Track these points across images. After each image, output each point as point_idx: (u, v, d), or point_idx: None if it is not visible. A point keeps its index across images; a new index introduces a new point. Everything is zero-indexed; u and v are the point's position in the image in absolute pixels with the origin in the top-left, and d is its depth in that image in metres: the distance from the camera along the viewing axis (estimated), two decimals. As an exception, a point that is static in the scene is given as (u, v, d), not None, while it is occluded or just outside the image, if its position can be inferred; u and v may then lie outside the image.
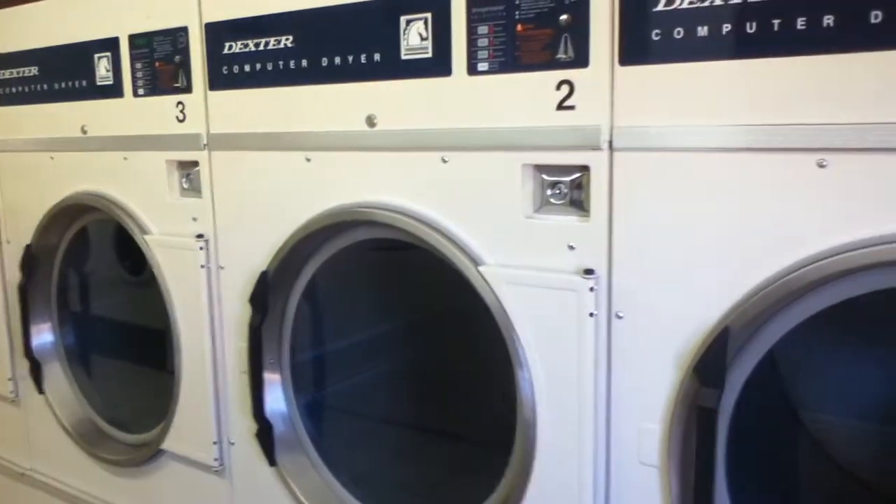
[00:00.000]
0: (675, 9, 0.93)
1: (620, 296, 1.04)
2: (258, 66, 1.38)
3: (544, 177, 1.10)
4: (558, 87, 1.04)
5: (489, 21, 1.08)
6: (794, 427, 1.14)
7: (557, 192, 1.09)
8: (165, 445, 1.67)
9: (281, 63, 1.34)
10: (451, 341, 1.43)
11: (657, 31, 0.95)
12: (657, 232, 0.99)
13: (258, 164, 1.42)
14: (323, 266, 1.43)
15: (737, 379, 0.99)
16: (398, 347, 1.50)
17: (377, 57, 1.22)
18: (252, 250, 1.45)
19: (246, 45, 1.39)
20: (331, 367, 1.57)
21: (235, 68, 1.41)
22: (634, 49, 0.97)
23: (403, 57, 1.19)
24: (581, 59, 1.01)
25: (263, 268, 1.42)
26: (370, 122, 1.25)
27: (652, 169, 0.98)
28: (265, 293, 1.43)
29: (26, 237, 1.90)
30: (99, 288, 2.06)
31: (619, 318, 1.04)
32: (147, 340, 1.73)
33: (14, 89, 1.87)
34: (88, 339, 2.05)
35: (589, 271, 1.04)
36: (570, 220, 1.07)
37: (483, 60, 1.10)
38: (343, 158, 1.30)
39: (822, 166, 0.87)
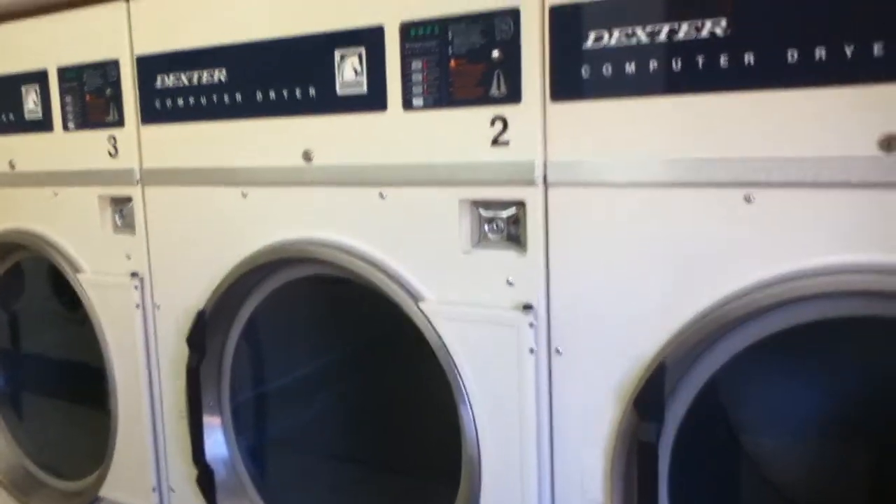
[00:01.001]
0: (604, 47, 0.96)
1: (559, 331, 1.05)
2: (191, 99, 1.37)
3: (481, 212, 1.11)
4: (492, 123, 1.06)
5: (423, 56, 1.10)
6: (736, 454, 1.17)
7: (494, 227, 1.10)
8: (102, 493, 1.63)
9: (214, 97, 1.34)
10: (394, 375, 1.42)
11: (587, 67, 0.97)
12: (592, 266, 1.01)
13: (193, 200, 1.41)
14: (262, 303, 1.42)
15: (676, 411, 1.01)
16: (340, 383, 1.49)
17: (312, 92, 1.22)
18: (189, 288, 1.43)
19: (178, 79, 1.38)
20: (273, 406, 1.56)
21: (168, 102, 1.40)
22: (565, 85, 0.99)
23: (339, 92, 1.19)
24: (513, 95, 1.03)
25: (200, 306, 1.41)
26: (307, 156, 1.25)
27: (585, 203, 1.00)
28: (203, 333, 1.41)
29: (-49, 277, 1.85)
30: (33, 327, 2.00)
31: (559, 353, 1.06)
32: (84, 378, 1.69)
33: (-63, 123, 1.83)
34: (21, 380, 2.00)
35: (527, 307, 1.06)
36: (508, 255, 1.09)
37: (418, 96, 1.12)
38: (280, 194, 1.29)
39: (748, 201, 0.90)
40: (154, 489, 1.54)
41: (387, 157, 1.17)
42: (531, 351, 1.05)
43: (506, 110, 1.04)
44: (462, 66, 1.07)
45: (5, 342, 1.98)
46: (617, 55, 0.95)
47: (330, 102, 1.21)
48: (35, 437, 1.92)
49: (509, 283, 1.08)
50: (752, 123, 0.89)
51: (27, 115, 1.64)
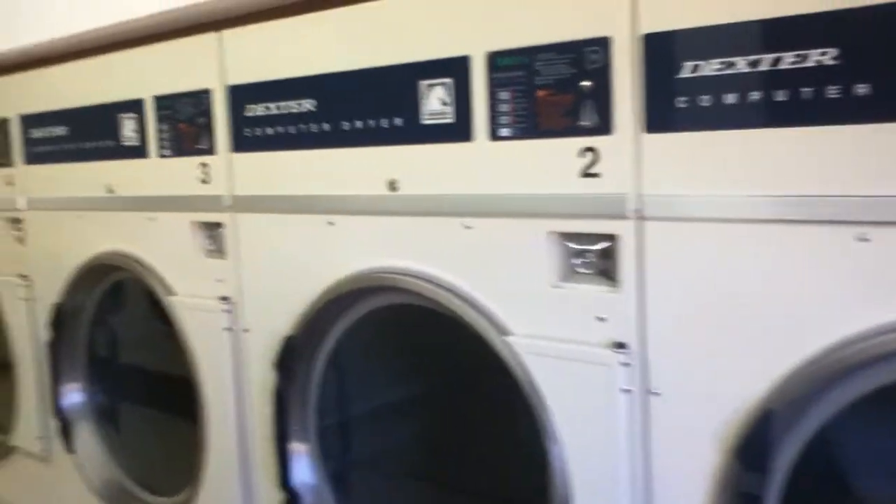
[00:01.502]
0: (700, 76, 0.92)
1: (656, 371, 1.02)
2: (280, 129, 1.40)
3: (570, 245, 1.09)
4: (582, 154, 1.03)
5: (510, 86, 1.08)
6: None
7: (584, 261, 1.07)
8: (192, 511, 1.68)
9: (303, 126, 1.36)
10: (479, 405, 1.41)
11: (682, 98, 0.93)
12: (693, 304, 0.97)
13: (282, 227, 1.44)
14: (348, 330, 1.43)
15: (783, 462, 0.95)
16: (424, 411, 1.49)
17: (398, 121, 1.22)
18: (276, 314, 1.46)
19: (268, 108, 1.41)
20: (358, 433, 1.57)
21: (258, 131, 1.44)
22: (659, 116, 0.96)
23: (424, 122, 1.19)
24: (604, 126, 1.00)
25: (288, 332, 1.43)
26: (392, 186, 1.25)
27: (683, 239, 0.97)
28: (289, 358, 1.43)
29: (55, 295, 1.95)
30: (130, 345, 2.09)
31: (656, 394, 1.02)
32: (182, 395, 1.73)
33: (44, 149, 1.93)
34: (119, 397, 2.08)
35: (620, 345, 1.02)
36: (599, 290, 1.06)
37: (505, 126, 1.10)
38: (365, 223, 1.30)
39: (863, 240, 0.84)
40: (242, 510, 1.58)
41: (472, 187, 1.16)
42: (624, 391, 1.01)
43: (596, 141, 1.02)
44: (549, 96, 1.05)
45: (105, 357, 2.07)
46: (714, 85, 0.91)
47: (415, 132, 1.21)
48: (131, 452, 2.00)
49: (600, 320, 1.05)
50: (866, 158, 0.83)
51: (125, 142, 1.71)
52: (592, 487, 1.07)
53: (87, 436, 2.01)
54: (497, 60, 1.09)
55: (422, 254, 1.24)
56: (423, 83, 1.18)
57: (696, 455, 0.99)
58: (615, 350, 1.02)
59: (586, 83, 1.01)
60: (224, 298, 1.55)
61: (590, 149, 1.02)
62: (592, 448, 1.06)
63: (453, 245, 1.20)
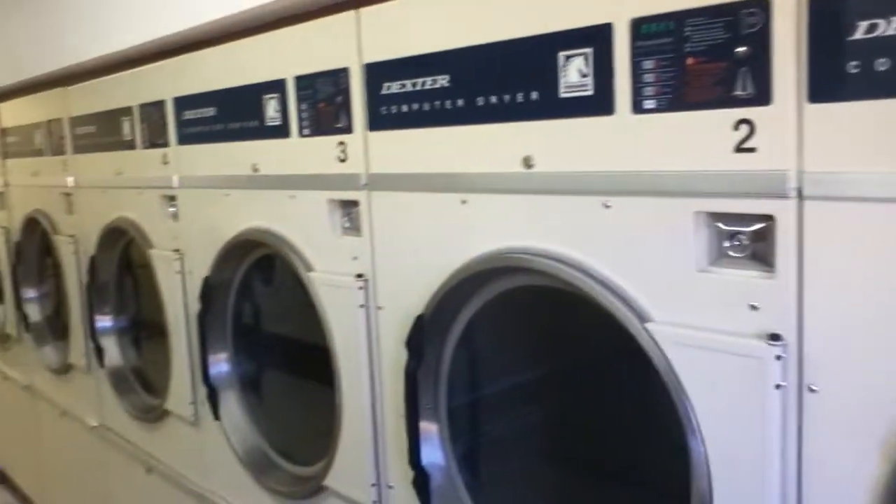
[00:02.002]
0: (877, 37, 0.82)
1: (814, 366, 0.93)
2: (415, 106, 1.39)
3: (721, 226, 1.01)
4: (736, 127, 0.95)
5: (655, 55, 1.02)
6: None
7: (736, 243, 1.00)
8: (327, 482, 1.73)
9: (437, 103, 1.35)
10: (614, 389, 1.35)
11: (854, 63, 0.84)
12: (856, 294, 0.88)
13: (415, 205, 1.44)
14: (480, 310, 1.42)
15: (963, 473, 0.85)
16: (557, 395, 1.45)
17: (535, 95, 1.18)
18: (409, 292, 1.47)
19: (403, 86, 1.41)
20: (488, 414, 1.55)
21: (393, 108, 1.44)
22: (826, 84, 0.86)
23: (562, 95, 1.15)
24: (762, 96, 0.92)
25: (419, 311, 1.43)
26: (527, 163, 1.22)
27: (848, 221, 0.87)
28: (421, 337, 1.44)
29: (204, 269, 2.06)
30: (274, 317, 2.18)
31: (813, 391, 0.93)
32: (322, 364, 1.78)
33: (194, 129, 2.04)
34: (263, 368, 2.18)
35: (775, 336, 0.94)
36: (752, 276, 0.98)
37: (649, 98, 1.04)
38: (499, 201, 1.28)
39: None
40: (373, 485, 1.61)
41: (613, 163, 1.10)
42: (777, 387, 0.93)
43: (752, 113, 0.93)
44: (700, 64, 0.97)
45: (250, 329, 2.18)
46: (894, 47, 0.81)
47: (553, 106, 1.16)
48: (273, 421, 2.10)
49: (753, 308, 0.97)
50: None
51: (269, 122, 1.77)
52: (737, 487, 1.00)
53: (232, 404, 2.12)
54: (641, 27, 1.03)
55: (558, 234, 1.20)
56: (562, 54, 1.13)
57: (855, 460, 0.90)
58: (769, 342, 0.94)
59: (742, 49, 0.93)
60: (359, 276, 1.57)
61: (745, 121, 0.94)
62: (739, 446, 0.98)
63: (592, 225, 1.15)
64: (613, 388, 1.34)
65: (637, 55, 1.04)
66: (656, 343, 1.05)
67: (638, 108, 1.05)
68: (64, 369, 3.10)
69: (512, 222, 1.26)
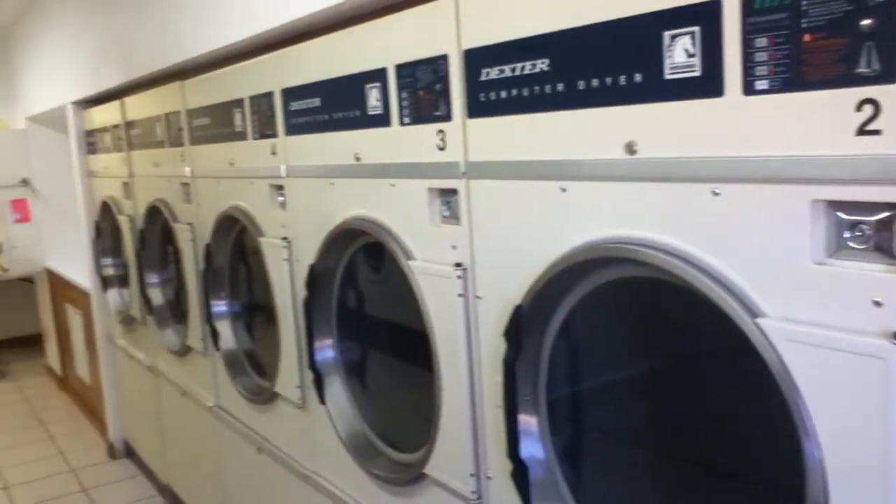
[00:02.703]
0: None
1: (945, 368, 0.85)
2: (514, 91, 1.37)
3: (841, 215, 0.94)
4: (859, 108, 0.88)
5: (769, 32, 0.95)
6: None
7: (858, 234, 0.92)
8: (427, 470, 1.75)
9: (537, 88, 1.32)
10: (720, 384, 1.29)
11: None
12: None
13: (514, 194, 1.42)
14: (580, 301, 1.39)
15: None
16: (660, 389, 1.40)
17: (638, 78, 1.14)
18: (508, 282, 1.45)
19: (502, 71, 1.39)
20: (589, 408, 1.52)
21: (492, 95, 1.42)
22: (967, 58, 0.78)
23: (667, 77, 1.10)
24: (889, 74, 0.84)
25: (518, 301, 1.42)
26: (630, 149, 1.18)
27: None
28: (519, 328, 1.42)
29: (311, 257, 2.12)
30: (377, 305, 2.21)
31: (944, 397, 0.85)
32: (424, 352, 1.79)
33: (301, 120, 2.09)
34: (366, 355, 2.23)
35: (900, 335, 0.87)
36: (876, 269, 0.90)
37: (762, 78, 0.97)
38: (600, 189, 1.24)
39: None
40: (472, 475, 1.61)
41: (722, 148, 1.05)
42: (904, 391, 0.86)
43: (878, 92, 0.86)
44: (819, 40, 0.90)
45: (354, 315, 2.22)
46: None
47: (657, 89, 1.11)
48: (376, 407, 2.14)
49: (876, 304, 0.90)
50: None
51: (370, 111, 1.79)
52: (856, 494, 0.93)
53: (337, 388, 2.18)
54: (754, 2, 0.97)
55: (663, 223, 1.15)
56: (667, 34, 1.08)
57: None
58: (894, 341, 0.87)
59: (867, 22, 0.85)
60: (458, 265, 1.57)
61: (869, 101, 0.87)
62: (859, 452, 0.92)
63: (699, 214, 1.10)
64: (719, 383, 1.28)
65: (749, 33, 0.98)
66: (768, 339, 1.00)
67: (749, 89, 0.99)
68: (183, 351, 3.27)
69: (614, 211, 1.23)
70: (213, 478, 3.17)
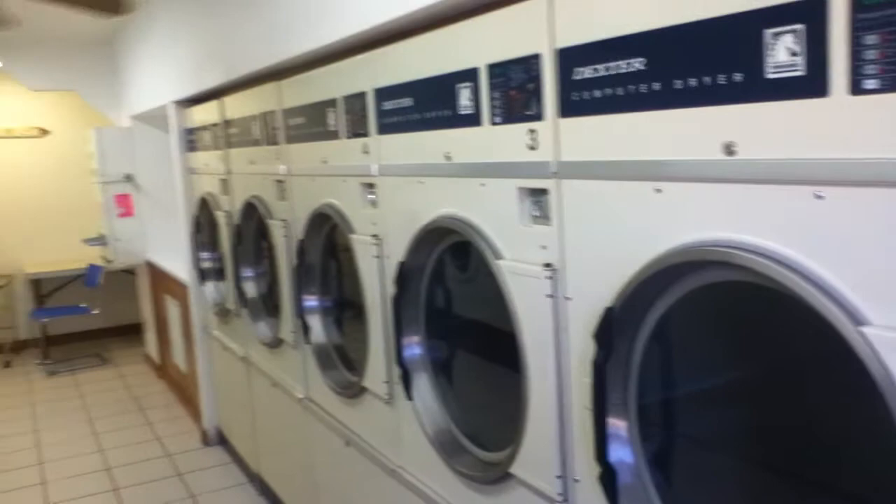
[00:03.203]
0: None
1: None
2: (608, 91, 1.37)
3: (955, 221, 0.90)
4: (978, 108, 0.84)
5: (880, 28, 0.92)
6: None
7: (975, 241, 0.89)
8: (512, 469, 1.76)
9: (631, 87, 1.32)
10: (820, 393, 1.25)
11: None
12: None
13: (606, 194, 1.41)
14: (674, 305, 1.37)
15: None
16: (756, 397, 1.36)
17: (737, 77, 1.12)
18: (598, 283, 1.45)
19: (595, 70, 1.39)
20: (682, 414, 1.50)
21: (585, 94, 1.42)
22: None
23: (768, 76, 1.07)
24: None
25: (609, 303, 1.41)
26: (728, 150, 1.16)
27: None
28: (609, 330, 1.42)
29: (400, 254, 2.16)
30: (465, 303, 2.24)
31: None
32: (511, 350, 1.81)
33: (393, 119, 2.14)
34: (453, 352, 2.26)
35: None
36: None
37: (871, 77, 0.94)
38: (696, 190, 1.22)
39: None
40: (558, 477, 1.62)
41: (826, 150, 1.02)
42: None
43: None
44: (936, 36, 0.87)
45: (442, 313, 2.26)
46: None
47: (758, 89, 1.09)
48: (462, 405, 2.16)
49: None
50: None
51: (461, 111, 1.82)
52: (971, 519, 0.89)
53: (423, 385, 2.22)
54: (864, -1, 0.94)
55: (762, 227, 1.13)
56: (769, 32, 1.06)
57: None
58: None
59: None
60: (547, 265, 1.58)
61: None
62: (973, 471, 0.88)
63: (801, 218, 1.07)
64: (818, 393, 1.24)
65: (858, 29, 0.95)
66: (872, 348, 0.96)
67: (857, 88, 0.97)
68: (275, 343, 3.39)
69: (710, 213, 1.21)
70: (302, 468, 3.27)
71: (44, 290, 7.17)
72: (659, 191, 1.30)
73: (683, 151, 1.24)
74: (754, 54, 1.08)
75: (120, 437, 4.94)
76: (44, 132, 7.27)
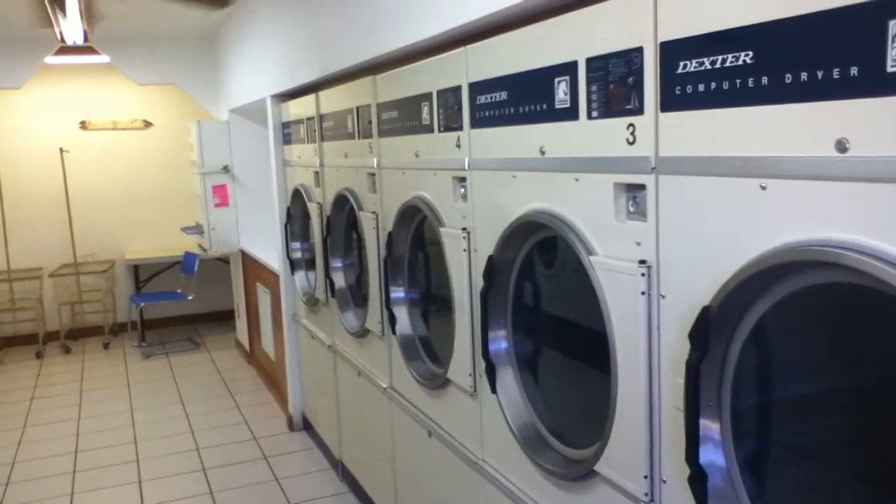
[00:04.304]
0: None
1: None
2: (713, 85, 1.34)
3: None
4: None
5: None
6: None
7: None
8: (598, 468, 1.75)
9: (738, 81, 1.28)
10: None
11: None
12: None
13: (708, 191, 1.38)
14: (776, 306, 1.33)
15: None
16: (861, 405, 1.31)
17: (854, 71, 1.08)
18: (696, 282, 1.42)
19: (701, 64, 1.36)
20: (780, 420, 1.45)
21: (689, 88, 1.40)
22: None
23: (890, 69, 1.03)
24: None
25: (706, 302, 1.38)
26: (840, 147, 1.12)
27: None
28: (706, 330, 1.39)
29: (489, 248, 2.17)
30: (553, 299, 2.23)
31: None
32: (598, 347, 1.79)
33: (486, 113, 2.15)
34: (539, 348, 2.26)
35: None
36: None
37: None
38: (805, 188, 1.19)
39: None
40: (645, 476, 1.59)
41: (950, 147, 0.97)
42: None
43: None
44: None
45: (529, 309, 2.26)
46: None
47: (876, 83, 1.05)
48: (547, 401, 2.16)
49: None
50: None
51: (557, 105, 1.81)
52: None
53: (508, 379, 2.22)
54: None
55: (876, 227, 1.09)
56: (893, 23, 1.02)
57: None
58: None
59: None
60: (642, 262, 1.56)
61: None
62: None
63: (917, 217, 1.02)
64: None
65: None
66: None
67: None
68: (361, 333, 3.46)
69: (819, 212, 1.17)
70: (385, 457, 3.33)
71: (142, 275, 7.52)
72: (764, 188, 1.26)
73: (792, 148, 1.20)
74: (874, 47, 1.04)
75: (209, 419, 5.14)
76: (147, 124, 7.62)
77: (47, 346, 7.17)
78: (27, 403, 5.65)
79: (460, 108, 2.29)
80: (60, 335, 7.26)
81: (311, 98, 3.90)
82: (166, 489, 4.12)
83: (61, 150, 7.23)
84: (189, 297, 6.98)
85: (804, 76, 1.16)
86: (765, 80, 1.23)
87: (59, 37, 5.20)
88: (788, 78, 1.19)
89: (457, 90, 2.31)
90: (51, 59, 5.76)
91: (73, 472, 4.38)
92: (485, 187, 2.21)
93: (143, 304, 7.07)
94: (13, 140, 7.21)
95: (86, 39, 5.34)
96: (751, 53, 1.25)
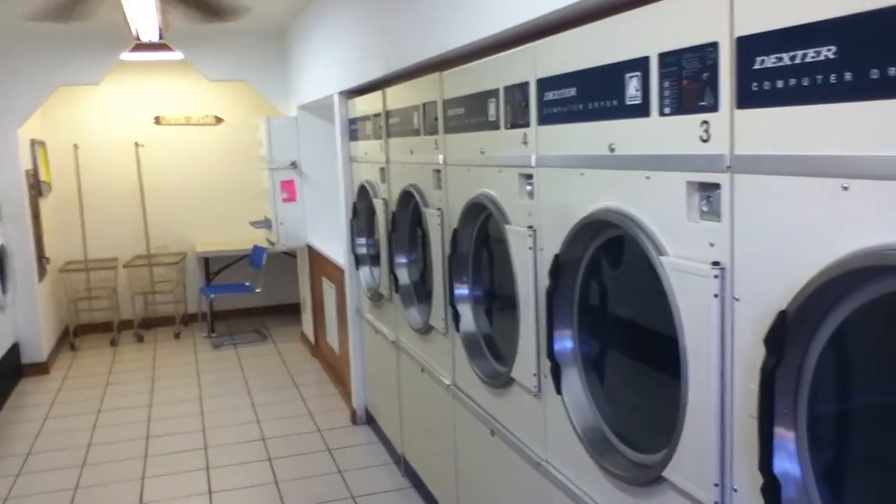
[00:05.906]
0: None
1: None
2: (792, 81, 1.30)
3: None
4: None
5: None
6: None
7: None
8: (666, 473, 1.71)
9: (820, 77, 1.24)
10: None
11: None
12: None
13: (786, 190, 1.34)
14: (857, 311, 1.28)
15: None
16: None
17: (948, 66, 1.03)
18: (771, 285, 1.38)
19: (780, 59, 1.32)
20: (859, 429, 1.40)
21: (766, 84, 1.36)
22: None
23: None
24: None
25: (782, 306, 1.34)
26: (931, 146, 1.07)
27: None
28: (782, 335, 1.35)
29: (556, 246, 2.16)
30: (621, 299, 2.20)
31: None
32: (667, 350, 1.76)
33: (554, 110, 2.13)
34: (605, 349, 2.23)
35: None
36: None
37: None
38: (889, 189, 1.14)
39: None
40: (716, 484, 1.56)
41: None
42: None
43: None
44: None
45: (596, 309, 2.23)
46: None
47: (972, 78, 1.00)
48: (614, 403, 2.13)
49: None
50: None
51: (628, 101, 1.78)
52: None
53: (574, 380, 2.20)
54: None
55: (966, 230, 1.04)
56: None
57: None
58: None
59: None
60: (715, 263, 1.52)
61: None
62: None
63: None
64: None
65: None
66: None
67: None
68: (425, 329, 3.48)
69: (906, 214, 1.12)
70: (446, 454, 3.34)
71: (212, 268, 7.73)
72: (846, 188, 1.21)
73: (877, 147, 1.15)
74: (970, 40, 0.99)
75: (275, 410, 5.25)
76: (218, 120, 7.81)
77: (121, 335, 7.44)
78: (102, 389, 5.88)
79: (527, 105, 2.28)
80: (134, 324, 7.52)
81: (377, 95, 3.93)
82: (233, 477, 4.23)
83: (136, 145, 7.48)
84: (257, 290, 7.14)
85: (891, 72, 1.11)
86: (848, 75, 1.19)
87: (135, 34, 5.38)
88: (874, 74, 1.14)
89: (524, 86, 2.29)
90: (127, 56, 5.96)
91: (144, 456, 4.54)
92: (551, 185, 2.19)
93: (212, 296, 7.26)
94: (91, 135, 7.49)
95: (161, 37, 5.51)
96: (833, 48, 1.21)
